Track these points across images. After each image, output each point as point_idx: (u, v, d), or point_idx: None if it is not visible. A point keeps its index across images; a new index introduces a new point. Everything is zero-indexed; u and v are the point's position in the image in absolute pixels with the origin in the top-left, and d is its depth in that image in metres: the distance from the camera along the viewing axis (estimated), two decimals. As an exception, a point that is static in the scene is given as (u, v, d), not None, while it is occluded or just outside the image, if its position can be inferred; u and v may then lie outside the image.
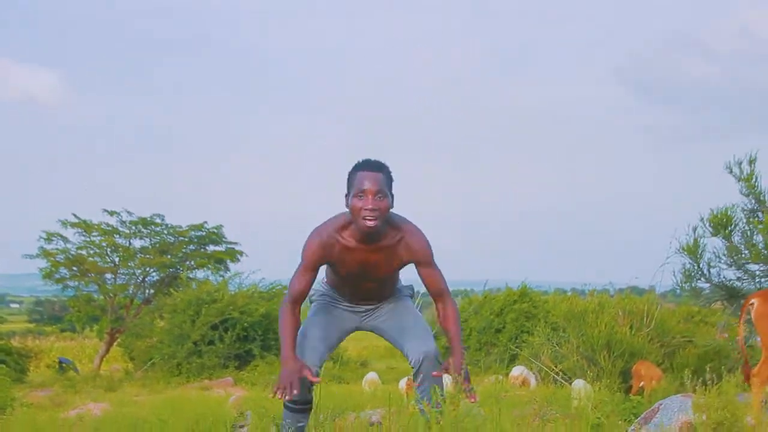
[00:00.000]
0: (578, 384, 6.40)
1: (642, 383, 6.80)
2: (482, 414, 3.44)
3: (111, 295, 21.96)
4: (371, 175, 3.48)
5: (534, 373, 8.59)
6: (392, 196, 3.55)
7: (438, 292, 3.68)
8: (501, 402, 2.99)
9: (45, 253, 21.66)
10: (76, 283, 22.25)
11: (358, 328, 3.93)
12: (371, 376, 10.40)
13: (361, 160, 3.57)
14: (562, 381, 7.35)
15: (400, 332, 3.76)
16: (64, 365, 20.56)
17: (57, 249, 21.86)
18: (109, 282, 22.12)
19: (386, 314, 3.84)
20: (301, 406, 3.63)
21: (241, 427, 5.20)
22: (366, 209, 3.42)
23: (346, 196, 3.57)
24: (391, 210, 3.54)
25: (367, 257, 3.58)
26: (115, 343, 21.92)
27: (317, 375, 3.55)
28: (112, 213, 22.01)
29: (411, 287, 3.96)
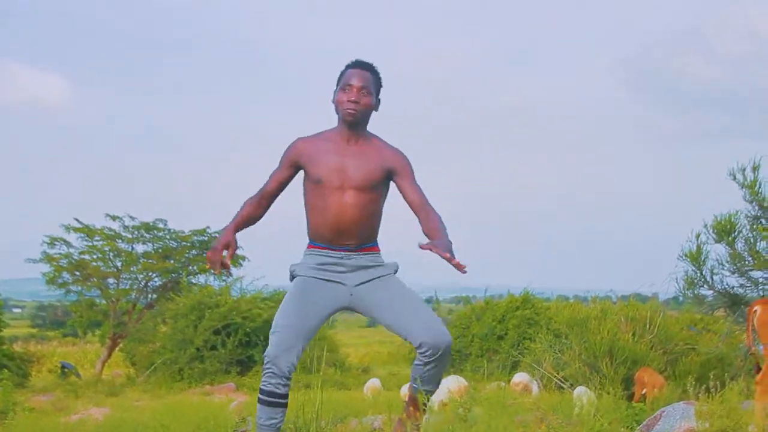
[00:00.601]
0: (580, 391, 6.39)
1: (644, 390, 6.78)
2: (477, 417, 3.38)
3: (113, 299, 21.96)
4: (360, 72, 3.61)
5: (536, 380, 8.57)
6: (378, 100, 3.66)
7: (420, 203, 3.58)
8: (505, 408, 2.97)
9: (48, 258, 21.67)
10: (79, 287, 22.25)
11: (347, 307, 3.71)
12: (373, 382, 10.37)
13: (352, 60, 3.66)
14: (565, 388, 7.34)
15: (405, 317, 3.56)
16: (66, 370, 20.57)
17: (60, 254, 21.88)
18: (111, 287, 22.11)
19: (381, 293, 3.64)
20: (270, 398, 3.48)
21: (243, 432, 5.19)
22: (350, 101, 3.54)
23: (334, 92, 3.65)
24: (374, 112, 3.64)
25: (345, 156, 3.59)
26: (117, 348, 21.91)
27: (293, 367, 3.44)
28: (114, 218, 22.02)
29: (395, 263, 3.75)
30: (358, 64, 3.65)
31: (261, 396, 3.51)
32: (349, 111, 3.55)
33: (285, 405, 3.54)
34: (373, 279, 3.65)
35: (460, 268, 3.16)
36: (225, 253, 3.61)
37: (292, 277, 3.73)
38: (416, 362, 3.58)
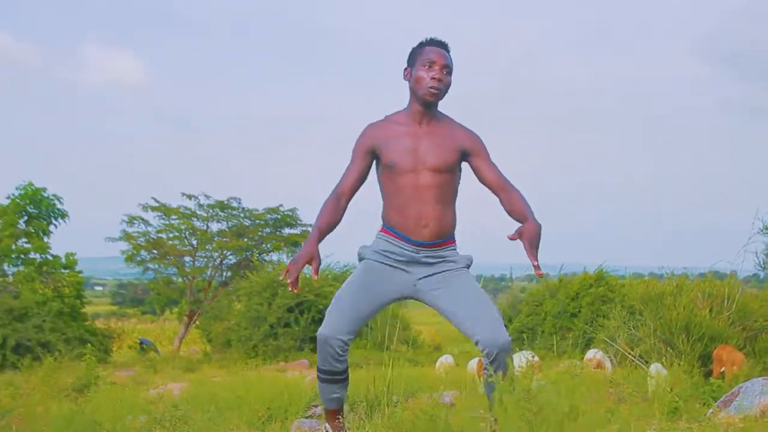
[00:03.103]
0: (655, 367, 6.28)
1: (723, 368, 6.64)
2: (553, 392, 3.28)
3: (189, 277, 22.43)
4: (441, 51, 3.47)
5: (610, 357, 8.45)
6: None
7: (499, 183, 3.43)
8: (576, 379, 2.93)
9: (127, 237, 22.25)
10: (156, 265, 22.80)
11: (411, 296, 3.59)
12: (445, 358, 10.38)
13: (428, 38, 3.51)
14: (639, 364, 7.22)
15: (467, 313, 3.41)
16: (145, 346, 21.13)
17: (138, 232, 22.44)
18: (187, 265, 22.59)
19: (447, 285, 3.49)
20: (330, 376, 3.48)
21: (316, 406, 5.26)
22: (434, 78, 3.40)
23: (406, 69, 3.52)
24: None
25: (418, 138, 3.46)
26: (193, 325, 22.39)
27: (346, 346, 3.40)
28: (190, 197, 22.45)
29: (470, 257, 3.61)
30: (436, 42, 3.50)
31: (319, 374, 3.52)
32: (433, 90, 3.41)
33: (344, 380, 3.52)
34: (441, 272, 3.51)
35: (538, 273, 3.05)
36: (309, 267, 3.39)
37: (360, 259, 3.64)
38: (483, 369, 3.39)
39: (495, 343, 3.27)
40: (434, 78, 3.41)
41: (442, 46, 3.50)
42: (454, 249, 3.59)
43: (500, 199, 3.41)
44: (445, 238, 3.54)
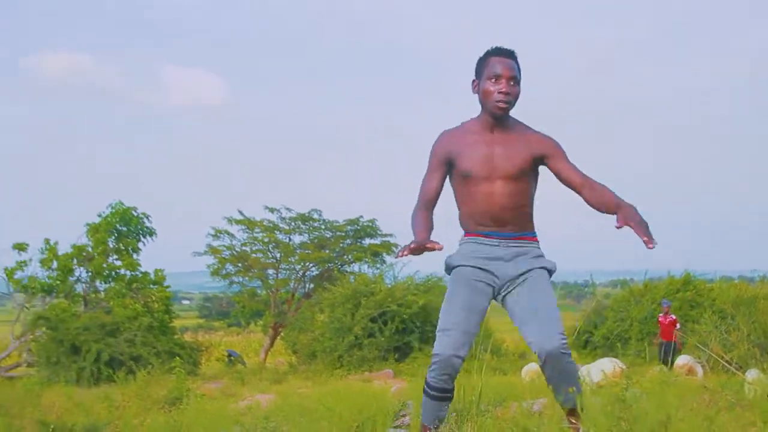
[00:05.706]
0: (752, 374, 6.10)
1: (822, 373, 6.40)
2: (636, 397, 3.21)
3: (273, 290, 22.71)
4: (506, 60, 3.43)
5: (701, 362, 8.24)
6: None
7: (579, 180, 3.40)
8: (668, 387, 2.88)
9: (212, 250, 22.68)
10: (241, 278, 23.16)
11: (495, 298, 3.55)
12: (531, 366, 10.30)
13: (493, 47, 3.49)
14: (734, 370, 7.02)
15: (525, 314, 3.41)
16: (232, 358, 21.45)
17: (223, 246, 22.85)
18: (271, 277, 22.87)
19: (519, 287, 3.46)
20: (441, 394, 3.46)
21: (404, 416, 5.27)
22: (500, 92, 3.39)
23: (474, 81, 3.51)
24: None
25: (492, 146, 3.46)
26: (278, 337, 22.64)
27: (463, 362, 3.39)
28: (272, 210, 22.77)
29: (553, 263, 3.57)
30: (501, 52, 3.46)
31: (429, 391, 3.50)
32: (500, 105, 3.40)
33: (450, 398, 3.53)
34: (525, 272, 3.49)
35: (649, 246, 3.01)
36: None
37: (449, 269, 3.62)
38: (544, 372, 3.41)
39: (544, 346, 3.28)
40: (501, 92, 3.39)
41: (508, 54, 3.47)
42: (538, 246, 3.60)
43: (583, 196, 3.38)
44: (526, 232, 3.56)
